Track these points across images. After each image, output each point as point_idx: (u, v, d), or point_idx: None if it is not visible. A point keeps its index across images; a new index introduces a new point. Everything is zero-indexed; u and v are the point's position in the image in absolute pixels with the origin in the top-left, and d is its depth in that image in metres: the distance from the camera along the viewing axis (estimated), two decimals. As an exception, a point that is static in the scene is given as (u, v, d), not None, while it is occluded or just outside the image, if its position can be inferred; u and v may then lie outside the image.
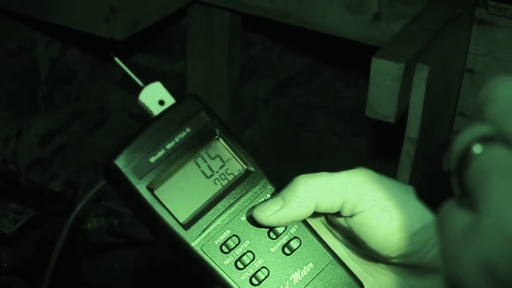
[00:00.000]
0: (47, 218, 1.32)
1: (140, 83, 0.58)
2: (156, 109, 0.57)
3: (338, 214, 0.56)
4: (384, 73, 1.06)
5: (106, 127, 1.82)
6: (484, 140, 0.33)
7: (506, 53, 1.22)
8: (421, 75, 1.07)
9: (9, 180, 1.43)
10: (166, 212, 0.54)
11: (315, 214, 0.56)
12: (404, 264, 0.56)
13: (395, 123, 1.10)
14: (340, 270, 0.57)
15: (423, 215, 0.54)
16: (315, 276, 0.56)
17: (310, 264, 0.56)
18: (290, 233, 0.57)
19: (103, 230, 1.44)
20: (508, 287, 0.31)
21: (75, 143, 1.75)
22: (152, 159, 0.55)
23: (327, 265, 0.57)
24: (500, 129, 0.33)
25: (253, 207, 0.56)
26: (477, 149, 0.33)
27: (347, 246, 0.59)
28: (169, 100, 0.57)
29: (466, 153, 0.34)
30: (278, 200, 0.55)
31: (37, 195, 1.39)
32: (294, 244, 0.56)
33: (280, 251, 0.56)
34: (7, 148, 1.55)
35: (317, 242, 0.57)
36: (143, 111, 0.57)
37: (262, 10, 1.40)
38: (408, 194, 0.55)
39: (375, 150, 1.76)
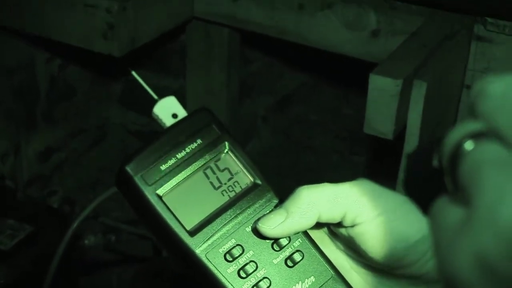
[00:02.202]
0: (44, 234, 1.32)
1: (155, 96, 0.61)
2: (169, 122, 0.59)
3: (339, 224, 0.56)
4: (381, 89, 1.06)
5: (105, 144, 1.82)
6: (476, 136, 0.34)
7: (505, 70, 1.22)
8: (419, 91, 1.07)
9: (6, 196, 1.43)
10: (173, 219, 0.55)
11: (317, 225, 0.57)
12: (403, 274, 0.56)
13: (393, 139, 1.10)
14: (341, 286, 0.57)
15: (422, 225, 0.55)
16: None
17: (312, 277, 0.57)
18: (293, 246, 0.57)
19: (100, 247, 1.44)
20: (502, 279, 0.31)
21: (73, 160, 1.74)
22: (163, 167, 0.56)
23: (328, 280, 0.57)
24: (491, 125, 0.33)
25: (258, 219, 0.57)
26: (468, 145, 0.34)
27: (348, 256, 0.60)
28: (182, 114, 0.60)
29: (458, 149, 0.34)
30: (281, 212, 0.56)
31: (34, 212, 1.39)
32: (297, 257, 0.57)
33: (283, 263, 0.57)
34: (4, 164, 1.55)
35: (320, 256, 0.58)
36: (156, 124, 0.59)
37: (261, 27, 1.40)
38: (408, 205, 0.56)
39: (374, 167, 1.76)
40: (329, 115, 1.82)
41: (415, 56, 1.12)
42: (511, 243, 0.30)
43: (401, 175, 1.16)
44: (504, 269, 0.31)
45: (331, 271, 0.57)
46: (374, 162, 1.77)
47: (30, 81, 1.57)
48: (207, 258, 0.55)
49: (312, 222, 0.55)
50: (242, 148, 0.60)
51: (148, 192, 0.55)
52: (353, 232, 0.56)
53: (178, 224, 0.55)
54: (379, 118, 1.08)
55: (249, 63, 1.72)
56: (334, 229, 0.58)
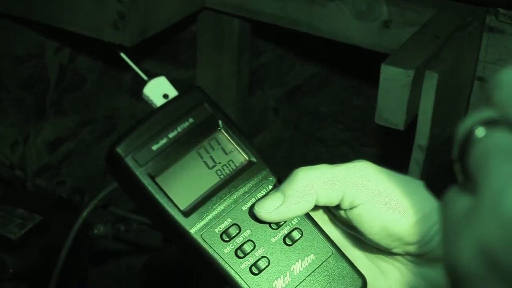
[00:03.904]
0: (54, 224, 1.32)
1: (145, 77, 0.59)
2: (160, 103, 0.57)
3: (338, 207, 0.55)
4: (393, 80, 1.06)
5: (115, 135, 1.82)
6: (488, 123, 0.33)
7: (516, 61, 1.21)
8: (431, 82, 1.07)
9: (16, 186, 1.43)
10: (167, 199, 0.54)
11: (315, 207, 0.55)
12: (406, 253, 0.56)
13: (404, 130, 1.09)
14: (342, 263, 0.56)
15: (423, 204, 0.54)
16: (317, 268, 0.56)
17: (312, 255, 0.56)
18: (291, 224, 0.56)
19: (109, 237, 1.44)
20: (505, 271, 0.30)
21: (83, 150, 1.74)
22: (154, 147, 0.55)
23: (329, 257, 0.56)
24: (504, 113, 0.33)
25: (254, 204, 0.55)
26: (480, 132, 0.33)
27: (349, 235, 0.59)
28: (173, 94, 0.58)
29: (469, 136, 0.33)
30: (278, 195, 0.54)
31: (43, 201, 1.39)
32: (295, 235, 0.56)
33: (281, 241, 0.56)
34: (14, 153, 1.55)
35: (319, 234, 0.56)
36: (148, 105, 0.57)
37: (272, 17, 1.40)
38: (408, 184, 0.55)
39: (384, 158, 1.75)
40: (340, 106, 1.81)
41: (426, 47, 1.12)
42: None
43: (412, 165, 1.16)
44: (506, 260, 0.30)
45: (331, 248, 0.56)
46: (385, 153, 1.76)
47: (40, 71, 1.57)
48: (203, 239, 0.54)
49: (310, 206, 0.54)
50: (236, 125, 0.58)
51: (139, 173, 0.54)
52: (351, 214, 0.54)
53: (171, 204, 0.54)
54: (390, 109, 1.08)
55: (259, 54, 1.71)
56: (332, 211, 0.57)
